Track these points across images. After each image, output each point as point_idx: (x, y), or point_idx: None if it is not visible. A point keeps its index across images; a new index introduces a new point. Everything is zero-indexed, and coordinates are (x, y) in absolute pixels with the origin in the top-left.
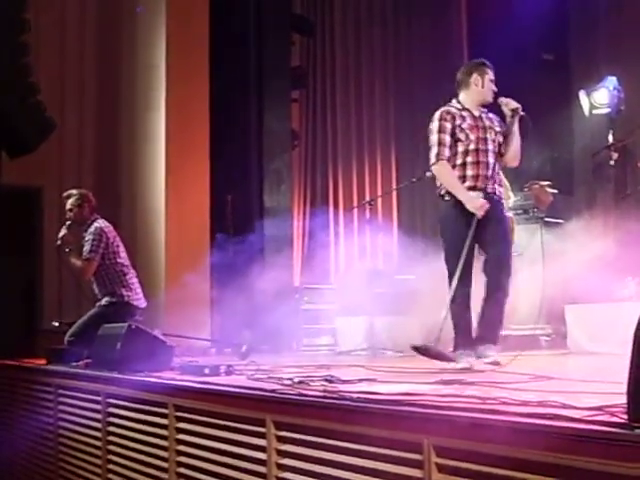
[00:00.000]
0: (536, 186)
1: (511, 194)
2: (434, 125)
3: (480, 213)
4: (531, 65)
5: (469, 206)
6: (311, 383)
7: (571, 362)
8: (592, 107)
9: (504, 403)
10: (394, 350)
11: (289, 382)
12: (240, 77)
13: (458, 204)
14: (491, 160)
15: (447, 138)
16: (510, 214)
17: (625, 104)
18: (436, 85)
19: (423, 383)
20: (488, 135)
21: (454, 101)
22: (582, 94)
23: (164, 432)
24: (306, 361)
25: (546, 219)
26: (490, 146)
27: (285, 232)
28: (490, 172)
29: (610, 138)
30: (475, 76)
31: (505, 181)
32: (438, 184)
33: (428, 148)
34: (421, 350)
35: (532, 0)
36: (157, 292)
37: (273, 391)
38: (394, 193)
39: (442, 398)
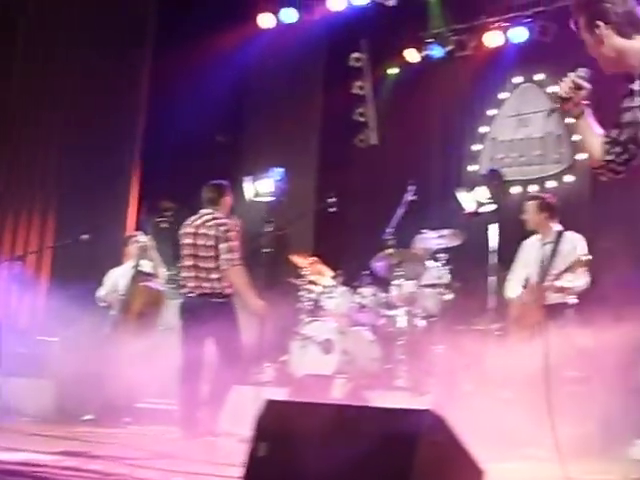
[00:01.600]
0: None
1: (164, 270)
2: (235, 233)
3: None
4: (205, 145)
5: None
6: None
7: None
8: (256, 194)
9: None
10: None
11: None
12: None
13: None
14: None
15: None
16: (162, 287)
17: (287, 195)
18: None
19: (46, 452)
20: None
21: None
22: (247, 180)
23: None
24: None
25: None
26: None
27: None
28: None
29: (268, 226)
30: (225, 197)
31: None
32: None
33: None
34: None
35: (216, 81)
36: None
37: None
38: (50, 250)
39: (63, 471)
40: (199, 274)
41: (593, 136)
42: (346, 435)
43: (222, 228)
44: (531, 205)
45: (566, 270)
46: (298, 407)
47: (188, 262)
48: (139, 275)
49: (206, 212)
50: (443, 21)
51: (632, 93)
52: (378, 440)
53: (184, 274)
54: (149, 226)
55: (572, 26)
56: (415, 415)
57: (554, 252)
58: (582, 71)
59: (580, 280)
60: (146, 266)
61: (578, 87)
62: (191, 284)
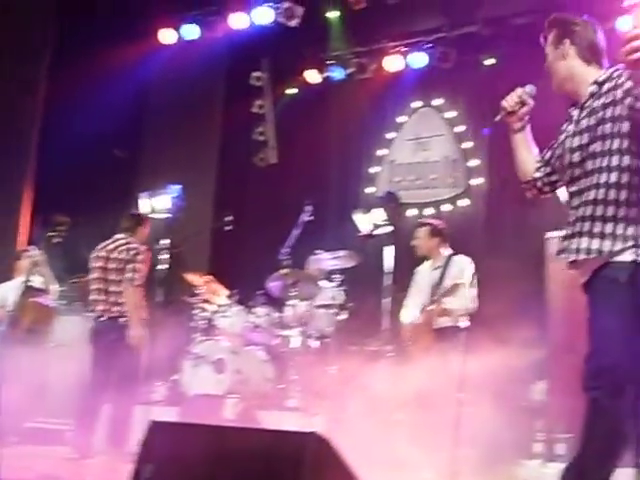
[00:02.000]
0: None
1: (56, 286)
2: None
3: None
4: (103, 159)
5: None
6: None
7: (89, 462)
8: (152, 210)
9: None
10: None
11: None
12: None
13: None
14: None
15: None
16: (53, 303)
17: (184, 213)
18: None
19: None
20: None
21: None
22: (143, 197)
23: None
24: None
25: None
26: None
27: None
28: None
29: (164, 243)
30: (141, 225)
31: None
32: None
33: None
34: None
35: (115, 96)
36: None
37: None
38: None
39: None
40: (109, 298)
41: (529, 152)
42: (232, 457)
43: (132, 252)
44: (422, 231)
45: (445, 293)
46: (183, 428)
47: (98, 285)
48: (29, 290)
49: (120, 237)
50: (344, 43)
51: (569, 119)
52: (263, 462)
53: (93, 297)
54: (41, 240)
55: (541, 39)
56: (300, 437)
57: (442, 276)
58: (529, 87)
59: (461, 302)
60: (37, 281)
61: (522, 102)
62: (100, 307)
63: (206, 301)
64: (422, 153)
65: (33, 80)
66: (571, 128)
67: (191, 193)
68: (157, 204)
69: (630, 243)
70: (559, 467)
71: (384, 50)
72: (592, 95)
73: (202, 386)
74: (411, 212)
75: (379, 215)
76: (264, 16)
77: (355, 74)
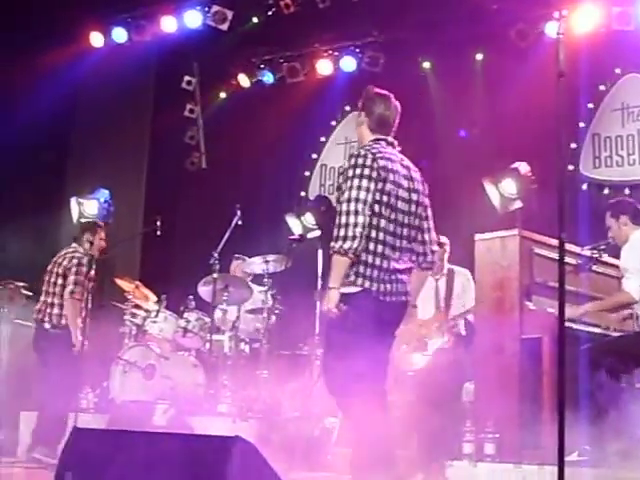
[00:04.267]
0: (11, 285)
1: None
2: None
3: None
4: (30, 163)
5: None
6: None
7: (13, 472)
8: (82, 216)
9: None
10: None
11: None
12: None
13: None
14: None
15: None
16: None
17: (113, 217)
18: None
19: None
20: None
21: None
22: (73, 201)
23: None
24: None
25: (16, 320)
26: None
27: None
28: None
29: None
30: (88, 235)
31: None
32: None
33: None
34: None
35: (43, 99)
36: None
37: None
38: None
39: None
40: (46, 309)
41: None
42: (156, 463)
43: (74, 261)
44: None
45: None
46: (106, 435)
47: (42, 296)
48: None
49: (69, 248)
50: (274, 47)
51: None
52: (188, 467)
53: (37, 307)
54: None
55: None
56: (225, 442)
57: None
58: None
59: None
60: None
61: None
62: (39, 316)
63: (136, 306)
64: None
65: None
66: None
67: (121, 197)
68: (86, 209)
69: None
70: (489, 467)
71: (315, 54)
72: None
73: (132, 393)
74: None
75: (310, 218)
76: (194, 20)
77: (286, 78)
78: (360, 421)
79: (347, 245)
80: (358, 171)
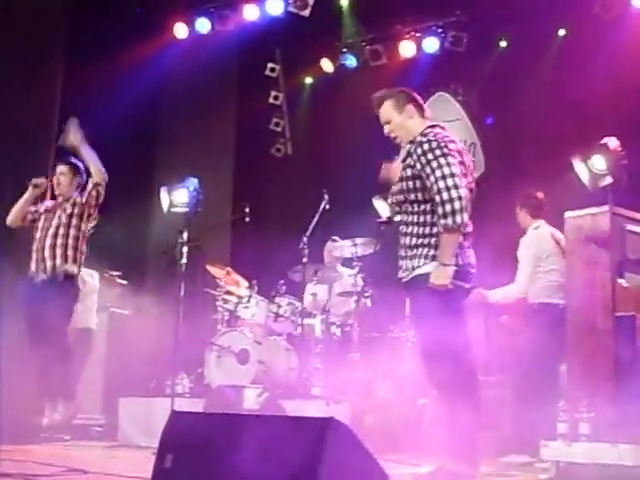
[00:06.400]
0: (107, 274)
1: None
2: None
3: None
4: (121, 154)
5: None
6: None
7: (115, 454)
8: (172, 205)
9: None
10: None
11: None
12: None
13: None
14: None
15: None
16: None
17: (202, 206)
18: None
19: None
20: None
21: None
22: (163, 191)
23: None
24: None
25: (112, 309)
26: None
27: None
28: None
29: (185, 237)
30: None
31: None
32: None
33: None
34: None
35: (130, 92)
36: None
37: None
38: None
39: None
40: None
41: None
42: (251, 444)
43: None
44: None
45: None
46: (204, 418)
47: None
48: None
49: None
50: (356, 31)
51: None
52: (283, 449)
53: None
54: None
55: None
56: (320, 423)
57: None
58: None
59: None
60: None
61: None
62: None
63: (228, 292)
64: None
65: (48, 81)
66: None
67: (209, 186)
68: (176, 198)
69: None
70: (584, 447)
71: (397, 35)
72: None
73: (226, 377)
74: None
75: None
76: (276, 7)
77: (369, 61)
78: (456, 399)
79: (459, 219)
80: (438, 152)
